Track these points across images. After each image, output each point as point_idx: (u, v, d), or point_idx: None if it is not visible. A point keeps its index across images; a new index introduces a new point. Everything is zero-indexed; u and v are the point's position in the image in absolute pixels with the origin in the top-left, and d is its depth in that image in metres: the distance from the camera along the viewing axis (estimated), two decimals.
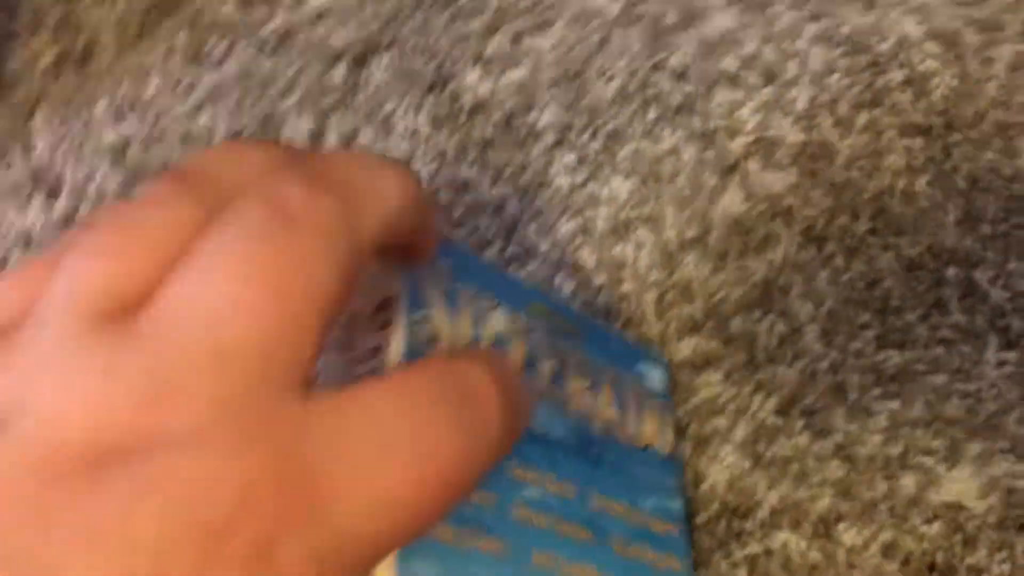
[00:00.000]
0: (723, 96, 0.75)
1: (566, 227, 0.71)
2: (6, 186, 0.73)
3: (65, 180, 0.74)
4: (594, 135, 0.74)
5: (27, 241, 0.72)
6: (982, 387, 0.66)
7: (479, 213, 0.72)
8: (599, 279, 0.69)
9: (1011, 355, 0.66)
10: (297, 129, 0.75)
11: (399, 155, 0.73)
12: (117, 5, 0.79)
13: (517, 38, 0.77)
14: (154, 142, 0.75)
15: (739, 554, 0.62)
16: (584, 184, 0.73)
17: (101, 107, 0.76)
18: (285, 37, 0.78)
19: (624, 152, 0.73)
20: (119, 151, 0.74)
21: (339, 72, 0.76)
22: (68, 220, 0.73)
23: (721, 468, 0.64)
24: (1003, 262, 0.68)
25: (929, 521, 0.61)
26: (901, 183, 0.71)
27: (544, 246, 0.71)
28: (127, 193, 0.73)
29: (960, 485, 0.63)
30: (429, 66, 0.76)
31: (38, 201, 0.73)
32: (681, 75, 0.76)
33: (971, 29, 0.76)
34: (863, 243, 0.69)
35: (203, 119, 0.75)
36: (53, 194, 0.73)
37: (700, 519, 0.63)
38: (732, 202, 0.71)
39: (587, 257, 0.70)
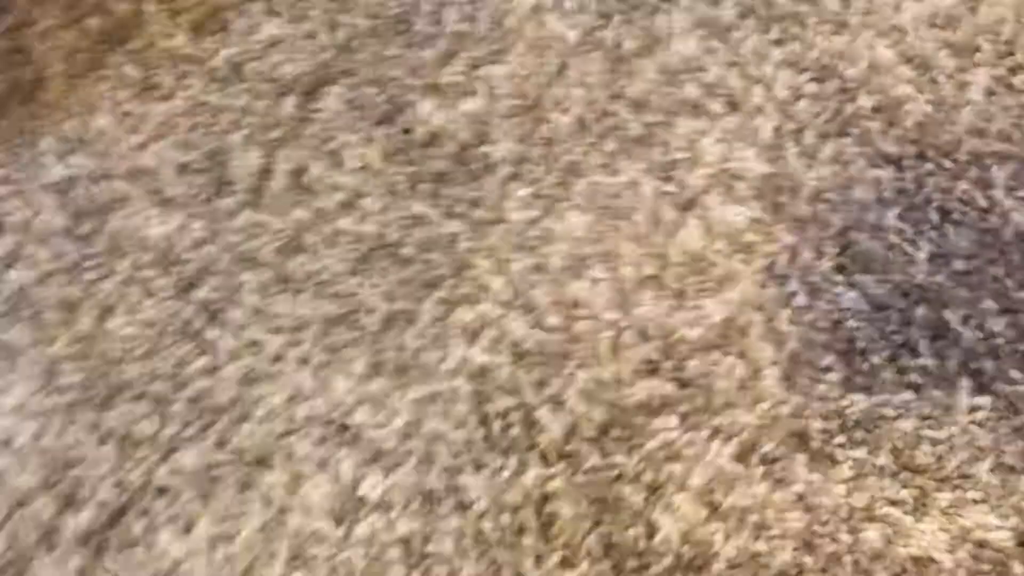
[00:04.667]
0: (685, 126, 0.73)
1: (520, 264, 0.69)
2: None
3: (8, 219, 0.73)
4: (550, 168, 0.72)
5: None
6: (953, 434, 0.63)
7: (431, 248, 0.70)
8: (553, 319, 0.68)
9: (984, 400, 0.63)
10: (245, 163, 0.73)
11: (350, 189, 0.72)
12: (67, 36, 0.79)
13: (473, 67, 0.76)
14: (100, 179, 0.74)
15: None
16: (539, 219, 0.71)
17: (47, 143, 0.75)
18: (236, 68, 0.77)
19: (581, 186, 0.71)
20: (64, 189, 0.74)
21: (289, 104, 0.75)
22: (13, 258, 0.72)
23: (676, 518, 0.62)
24: (975, 300, 0.66)
25: None
26: (870, 217, 0.69)
27: (497, 284, 0.69)
28: (72, 232, 0.72)
29: (929, 537, 0.61)
30: (381, 97, 0.75)
31: None
32: (641, 105, 0.74)
33: (946, 52, 0.73)
34: (827, 281, 0.67)
35: (150, 154, 0.74)
36: None
37: (652, 572, 0.61)
38: (691, 237, 0.69)
39: (541, 296, 0.68)
